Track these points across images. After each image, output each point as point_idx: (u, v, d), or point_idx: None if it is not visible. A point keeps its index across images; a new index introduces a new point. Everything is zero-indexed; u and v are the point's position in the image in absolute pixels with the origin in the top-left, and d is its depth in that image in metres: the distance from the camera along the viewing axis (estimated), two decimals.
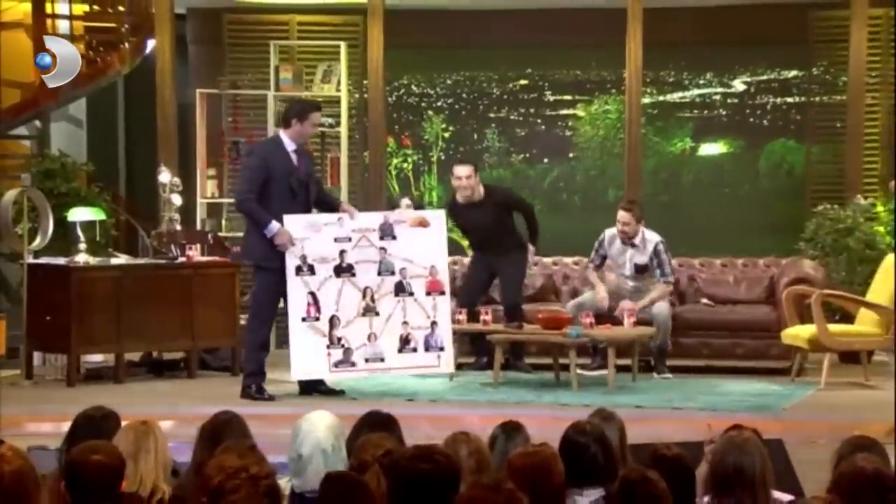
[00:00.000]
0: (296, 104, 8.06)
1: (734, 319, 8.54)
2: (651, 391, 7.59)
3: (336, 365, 7.41)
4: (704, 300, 8.88)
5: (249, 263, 7.74)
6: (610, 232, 8.31)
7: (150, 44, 9.76)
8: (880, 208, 9.55)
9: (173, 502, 3.61)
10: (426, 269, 7.42)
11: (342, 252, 7.40)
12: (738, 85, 10.56)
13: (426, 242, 7.44)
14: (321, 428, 3.78)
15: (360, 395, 7.56)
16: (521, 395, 7.59)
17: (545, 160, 10.81)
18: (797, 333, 8.11)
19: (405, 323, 7.41)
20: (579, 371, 7.64)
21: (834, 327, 8.13)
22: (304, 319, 7.40)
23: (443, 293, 7.43)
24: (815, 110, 10.39)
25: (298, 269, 7.38)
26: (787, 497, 3.70)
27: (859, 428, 6.53)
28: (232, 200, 10.10)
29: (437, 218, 7.57)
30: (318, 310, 7.39)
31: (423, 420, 6.52)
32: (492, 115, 10.72)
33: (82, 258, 8.15)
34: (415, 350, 7.41)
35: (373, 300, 7.40)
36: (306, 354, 7.40)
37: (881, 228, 9.46)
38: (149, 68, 9.89)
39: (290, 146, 7.40)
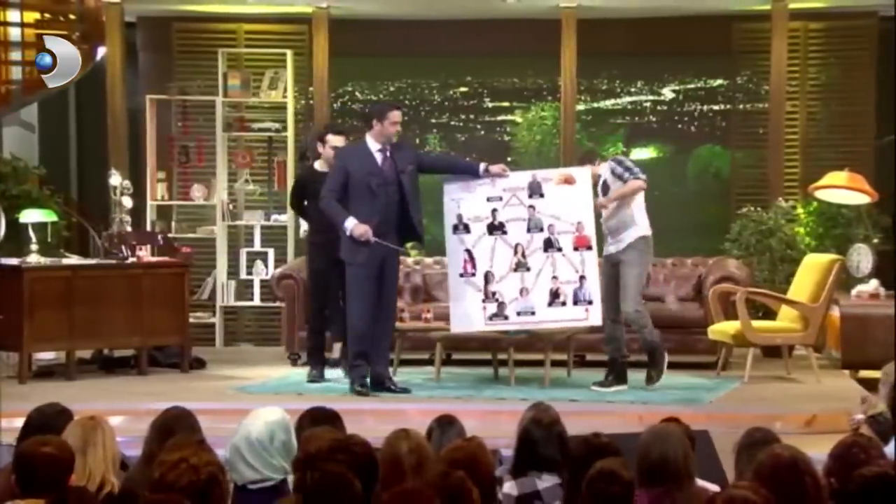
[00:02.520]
0: (375, 105, 8.28)
1: (663, 316, 8.57)
2: (585, 386, 7.65)
3: (491, 318, 7.51)
4: None
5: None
6: None
7: (101, 51, 9.82)
8: (800, 210, 9.73)
9: (122, 495, 3.59)
10: (573, 226, 7.41)
11: (494, 211, 7.52)
12: (667, 93, 10.64)
13: (572, 199, 7.42)
14: (258, 423, 3.85)
15: (305, 390, 7.64)
16: (461, 390, 7.66)
17: None
18: (723, 329, 8.26)
19: (555, 277, 7.43)
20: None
21: (757, 323, 8.29)
22: (461, 275, 7.57)
23: (590, 248, 7.39)
24: (740, 117, 10.50)
25: (455, 228, 7.58)
26: (713, 487, 3.76)
27: (781, 419, 6.85)
28: (180, 203, 10.35)
29: (584, 175, 7.48)
30: (473, 266, 7.54)
31: (367, 414, 6.64)
32: (433, 120, 10.74)
33: (34, 258, 8.20)
34: (564, 304, 7.42)
35: (524, 256, 7.46)
36: (464, 308, 7.55)
37: (801, 230, 9.61)
38: (100, 75, 9.87)
39: (374, 147, 7.44)
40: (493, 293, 7.53)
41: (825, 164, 9.70)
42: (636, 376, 7.70)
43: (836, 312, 8.60)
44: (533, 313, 7.48)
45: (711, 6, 9.91)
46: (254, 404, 5.65)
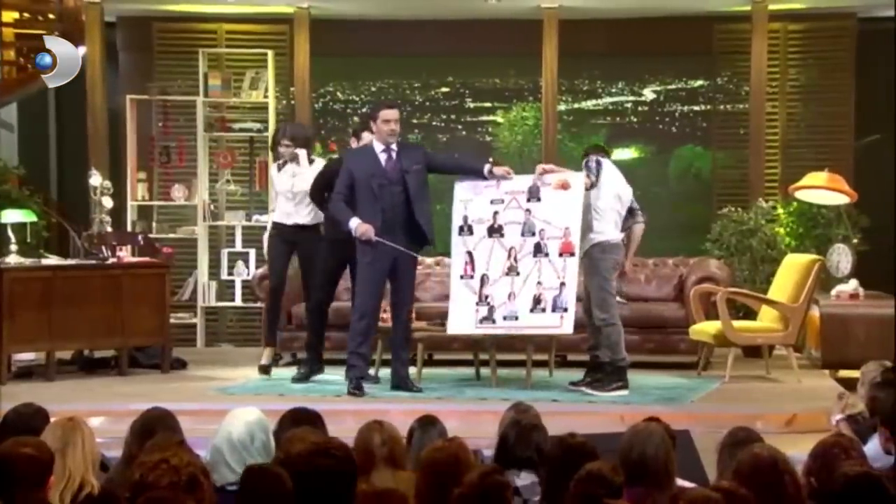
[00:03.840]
0: (372, 105, 8.35)
1: (645, 316, 8.66)
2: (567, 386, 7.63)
3: (481, 321, 7.49)
4: (618, 297, 9.14)
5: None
6: None
7: (81, 51, 9.83)
8: (780, 211, 9.78)
9: (102, 496, 3.59)
10: (561, 231, 7.35)
11: (495, 213, 7.51)
12: (648, 93, 10.67)
13: (565, 204, 7.35)
14: (237, 424, 3.86)
15: (287, 391, 7.62)
16: (443, 390, 7.67)
17: None
18: (704, 329, 8.28)
19: (539, 283, 7.37)
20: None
21: (738, 323, 8.30)
22: (461, 277, 7.58)
23: (573, 255, 7.31)
24: (720, 118, 10.56)
25: (461, 230, 7.60)
26: (693, 486, 3.70)
27: (761, 419, 6.87)
28: (161, 203, 10.31)
29: (578, 180, 7.38)
30: (472, 269, 7.54)
31: (349, 415, 6.56)
32: (415, 120, 10.75)
33: (14, 259, 8.17)
34: (543, 310, 7.35)
35: (516, 260, 7.43)
36: (459, 310, 7.55)
37: (781, 230, 9.67)
38: (80, 75, 9.82)
39: (378, 147, 7.46)
40: (486, 296, 7.53)
41: (805, 165, 9.76)
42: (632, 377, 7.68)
43: (816, 312, 8.64)
44: (517, 318, 7.45)
45: (692, 7, 9.95)
46: (235, 405, 5.65)
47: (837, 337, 8.43)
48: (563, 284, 7.35)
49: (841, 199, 9.18)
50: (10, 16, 10.18)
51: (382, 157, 7.45)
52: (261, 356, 8.46)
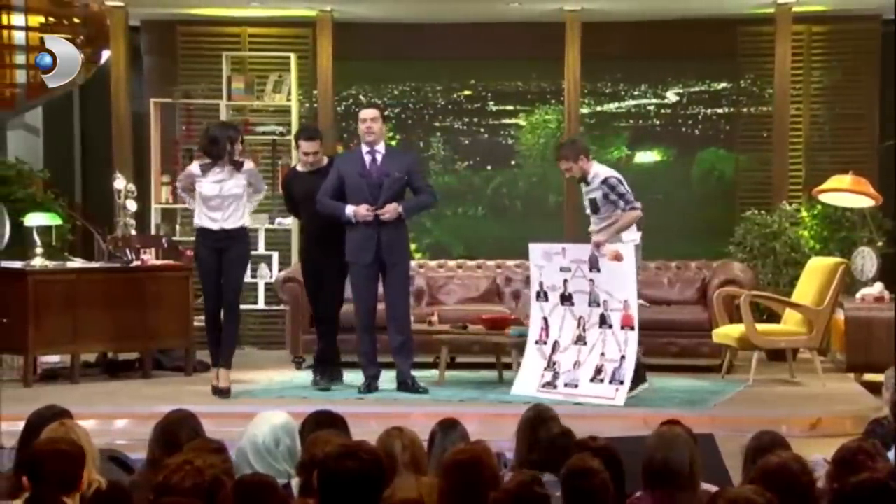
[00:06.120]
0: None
1: (668, 319, 8.69)
2: None
3: (543, 385, 7.54)
4: (641, 301, 9.07)
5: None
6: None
7: (106, 55, 9.87)
8: (804, 214, 9.76)
9: (111, 490, 3.59)
10: (621, 303, 7.33)
11: (565, 281, 7.55)
12: (671, 96, 10.64)
13: (621, 276, 7.33)
14: (264, 427, 3.89)
15: (310, 394, 7.68)
16: (465, 393, 7.72)
17: (488, 167, 10.88)
18: (727, 332, 8.29)
19: (603, 354, 7.40)
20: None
21: (762, 327, 8.30)
22: (536, 342, 7.65)
23: (633, 328, 7.30)
24: (744, 120, 10.51)
25: (538, 295, 7.67)
26: (716, 489, 3.64)
27: (785, 422, 6.86)
28: (184, 206, 10.35)
29: (628, 252, 7.36)
30: (547, 335, 7.62)
31: (372, 418, 6.61)
32: (437, 124, 10.75)
33: (39, 262, 8.23)
34: (602, 381, 7.36)
35: (584, 330, 7.48)
36: (527, 373, 7.61)
37: (805, 233, 9.65)
38: (104, 78, 9.92)
39: (364, 149, 7.66)
40: (555, 363, 7.59)
41: (829, 167, 9.73)
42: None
43: (840, 316, 8.62)
44: (576, 386, 7.47)
45: (715, 9, 9.92)
46: (257, 407, 5.69)
47: (862, 340, 8.41)
48: (623, 357, 7.35)
49: (865, 202, 9.15)
50: (35, 20, 10.24)
51: (367, 159, 7.63)
52: (287, 359, 8.49)
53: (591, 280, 7.46)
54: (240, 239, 7.76)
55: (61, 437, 3.62)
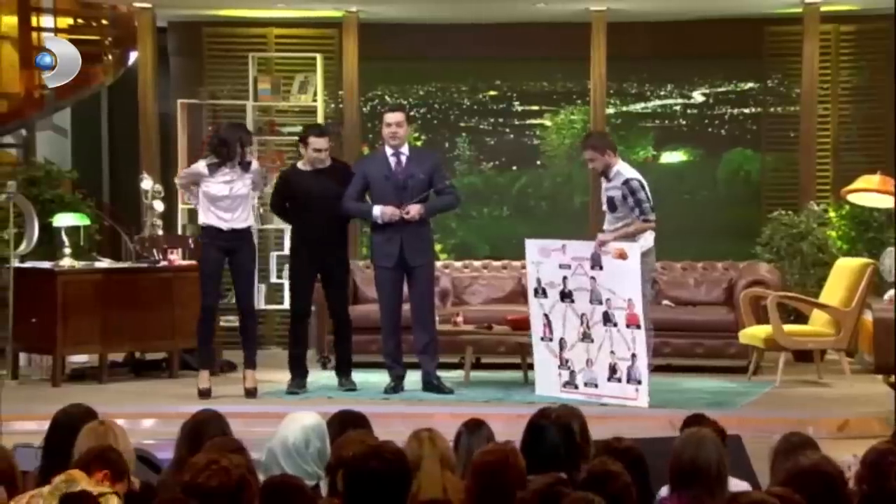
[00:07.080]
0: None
1: (694, 320, 8.69)
2: None
3: (564, 385, 7.57)
4: (666, 301, 9.04)
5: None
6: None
7: (133, 56, 9.92)
8: (832, 214, 9.70)
9: (143, 490, 3.62)
10: (625, 302, 7.30)
11: (564, 278, 7.54)
12: (698, 96, 10.63)
13: (625, 275, 7.29)
14: (294, 428, 3.89)
15: (336, 394, 7.70)
16: (490, 393, 7.74)
17: (514, 168, 10.89)
18: (754, 333, 8.28)
19: (612, 353, 7.39)
20: None
21: (789, 327, 8.28)
22: (542, 339, 7.67)
23: (639, 327, 7.28)
24: (770, 120, 10.46)
25: (536, 292, 7.69)
26: (744, 484, 3.80)
27: (812, 424, 6.84)
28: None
29: (634, 251, 7.31)
30: (550, 331, 7.64)
31: (397, 418, 6.64)
32: (462, 124, 10.77)
33: (67, 262, 8.29)
34: (619, 380, 7.37)
35: (588, 327, 7.47)
36: (545, 372, 7.66)
37: (833, 233, 9.59)
38: (131, 79, 10.01)
39: (388, 151, 7.70)
40: (566, 360, 7.60)
41: (857, 168, 9.67)
42: (661, 379, 7.71)
43: (868, 317, 8.56)
44: (596, 385, 7.49)
45: (742, 9, 9.88)
46: (283, 407, 5.72)
47: (890, 342, 8.33)
48: (634, 356, 7.35)
49: (894, 202, 9.07)
50: (64, 22, 10.35)
51: (392, 161, 7.64)
52: (313, 358, 8.50)
53: (593, 278, 7.45)
54: (248, 239, 7.81)
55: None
